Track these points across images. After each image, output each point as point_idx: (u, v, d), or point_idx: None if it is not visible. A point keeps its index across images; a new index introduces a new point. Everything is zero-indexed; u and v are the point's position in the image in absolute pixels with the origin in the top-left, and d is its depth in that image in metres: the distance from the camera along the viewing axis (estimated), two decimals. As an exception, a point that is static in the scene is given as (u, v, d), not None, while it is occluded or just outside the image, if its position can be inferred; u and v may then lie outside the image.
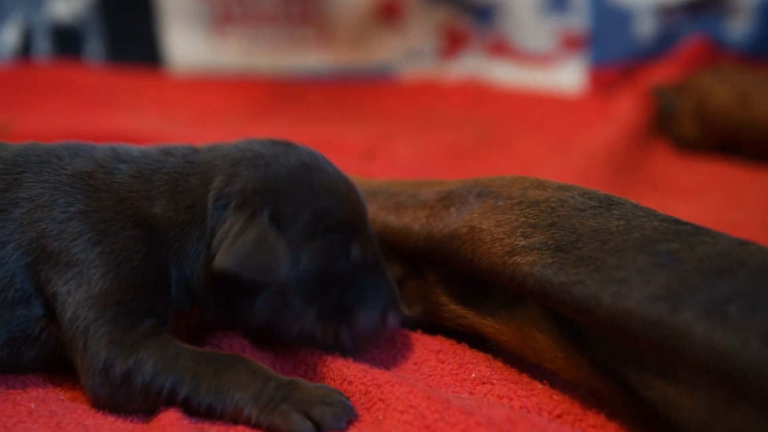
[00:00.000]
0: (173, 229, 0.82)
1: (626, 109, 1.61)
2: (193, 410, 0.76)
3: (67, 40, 1.92)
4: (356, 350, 0.86)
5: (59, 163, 0.84)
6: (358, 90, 1.87)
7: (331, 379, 0.84)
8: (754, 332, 0.67)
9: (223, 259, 0.77)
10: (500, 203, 0.89)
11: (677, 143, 1.57)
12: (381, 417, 0.79)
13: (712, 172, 1.46)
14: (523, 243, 0.83)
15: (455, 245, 0.88)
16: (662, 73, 1.70)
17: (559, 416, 0.80)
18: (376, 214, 0.96)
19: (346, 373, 0.84)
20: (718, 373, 0.68)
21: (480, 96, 1.84)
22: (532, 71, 1.86)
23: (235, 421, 0.76)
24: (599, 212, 0.83)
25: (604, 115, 1.63)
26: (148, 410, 0.78)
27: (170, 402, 0.77)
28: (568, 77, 1.83)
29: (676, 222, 0.80)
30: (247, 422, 0.75)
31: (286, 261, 0.78)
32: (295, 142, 0.87)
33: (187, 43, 1.91)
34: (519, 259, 0.83)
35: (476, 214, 0.89)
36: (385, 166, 1.34)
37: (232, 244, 0.77)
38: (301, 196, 0.81)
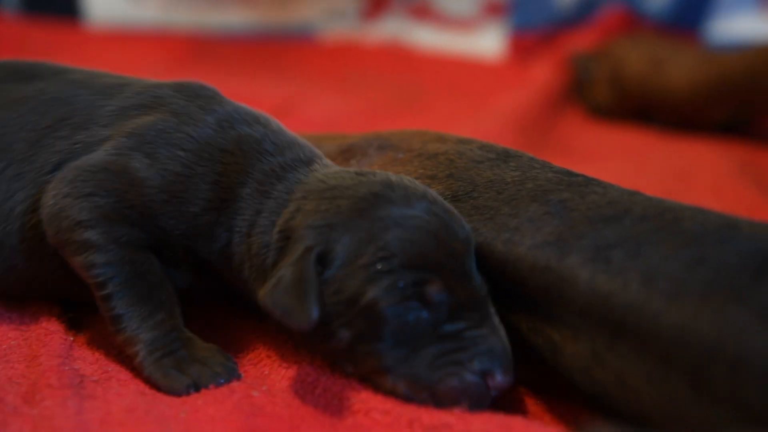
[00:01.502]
0: (237, 218, 0.80)
1: (543, 75, 1.63)
2: (103, 311, 0.78)
3: (-20, -10, 1.88)
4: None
5: (185, 98, 0.85)
6: (278, 49, 1.86)
7: (223, 333, 0.85)
8: (634, 275, 0.68)
9: (263, 295, 0.73)
10: (400, 155, 0.89)
11: (593, 110, 1.59)
12: (267, 372, 0.80)
13: (621, 139, 1.48)
14: (420, 193, 0.84)
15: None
16: (581, 41, 1.72)
17: None
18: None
19: (236, 329, 0.85)
20: (600, 314, 0.69)
21: (400, 58, 1.84)
22: (453, 35, 1.86)
23: (123, 349, 0.78)
24: (496, 164, 0.84)
25: (522, 80, 1.64)
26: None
27: (97, 288, 0.78)
28: (489, 42, 1.84)
29: (569, 173, 0.81)
30: (132, 357, 0.77)
31: (314, 308, 0.70)
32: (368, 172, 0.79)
33: (105, -3, 1.89)
34: (416, 210, 0.83)
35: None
36: (299, 124, 1.33)
37: (276, 282, 0.72)
38: (361, 232, 0.73)
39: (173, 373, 0.76)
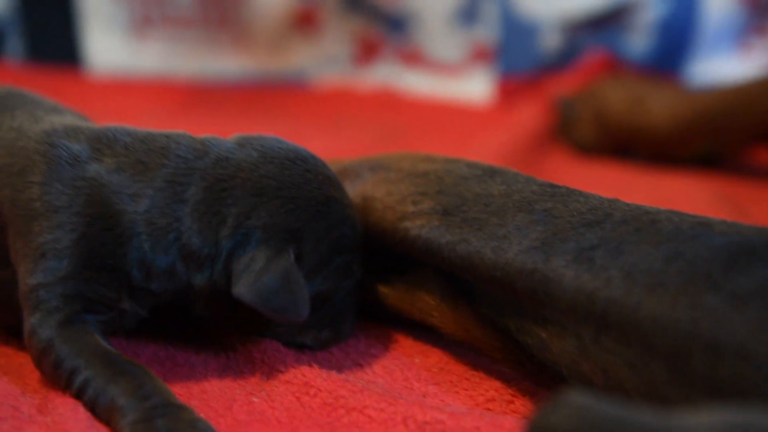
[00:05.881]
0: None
1: (529, 116, 1.68)
2: (83, 401, 0.76)
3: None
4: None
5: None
6: (272, 94, 1.90)
7: (217, 341, 0.89)
8: (616, 271, 0.73)
9: (245, 292, 0.78)
10: (391, 175, 0.94)
11: (577, 148, 1.64)
12: (264, 378, 0.84)
13: (605, 174, 1.52)
14: (412, 209, 0.89)
15: (350, 213, 0.93)
16: (565, 84, 1.77)
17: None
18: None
19: (233, 337, 0.89)
20: (585, 310, 0.73)
21: (391, 103, 1.89)
22: (442, 81, 1.91)
23: (108, 420, 0.75)
24: (483, 179, 0.89)
25: (508, 122, 1.69)
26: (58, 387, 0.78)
27: (69, 383, 0.77)
28: (477, 87, 1.89)
29: (552, 186, 0.86)
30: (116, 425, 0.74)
31: (308, 305, 0.80)
32: (308, 155, 0.87)
33: (106, 45, 1.94)
34: (408, 224, 0.88)
35: (369, 185, 0.94)
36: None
37: (256, 280, 0.78)
38: (321, 231, 0.83)
39: None
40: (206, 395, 0.81)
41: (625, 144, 1.59)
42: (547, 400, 0.58)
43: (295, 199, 0.82)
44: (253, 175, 0.82)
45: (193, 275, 0.81)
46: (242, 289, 0.78)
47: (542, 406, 0.58)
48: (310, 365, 0.84)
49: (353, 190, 0.94)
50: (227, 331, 0.89)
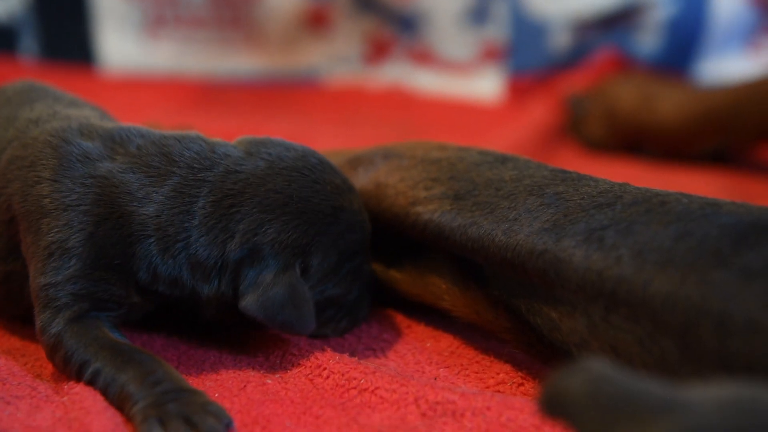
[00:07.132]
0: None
1: (539, 113, 1.69)
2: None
3: (1, 38, 1.96)
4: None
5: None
6: (284, 93, 1.92)
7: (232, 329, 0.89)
8: (625, 250, 0.73)
9: (251, 306, 0.80)
10: (404, 162, 0.95)
11: (588, 144, 1.65)
12: (278, 361, 0.85)
13: (616, 170, 1.52)
14: (424, 195, 0.90)
15: (363, 200, 0.94)
16: (575, 82, 1.78)
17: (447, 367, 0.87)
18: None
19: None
20: (594, 289, 0.74)
21: (402, 101, 1.90)
22: (453, 79, 1.93)
23: (121, 408, 0.75)
24: (495, 166, 0.90)
25: (519, 120, 1.70)
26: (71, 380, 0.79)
27: (80, 376, 0.78)
28: (487, 85, 1.90)
29: (563, 171, 0.87)
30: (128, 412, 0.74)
31: (313, 319, 0.82)
32: (316, 162, 0.87)
33: (119, 44, 1.96)
34: (420, 209, 0.89)
35: (382, 172, 0.95)
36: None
37: (262, 294, 0.80)
38: (329, 242, 0.84)
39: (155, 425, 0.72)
40: (220, 377, 0.83)
41: (635, 141, 1.60)
42: (565, 366, 0.59)
43: (303, 214, 0.83)
44: (260, 190, 0.82)
45: (200, 285, 0.82)
46: (248, 303, 0.80)
47: (560, 370, 0.58)
48: (322, 349, 0.85)
49: (366, 177, 0.95)
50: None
